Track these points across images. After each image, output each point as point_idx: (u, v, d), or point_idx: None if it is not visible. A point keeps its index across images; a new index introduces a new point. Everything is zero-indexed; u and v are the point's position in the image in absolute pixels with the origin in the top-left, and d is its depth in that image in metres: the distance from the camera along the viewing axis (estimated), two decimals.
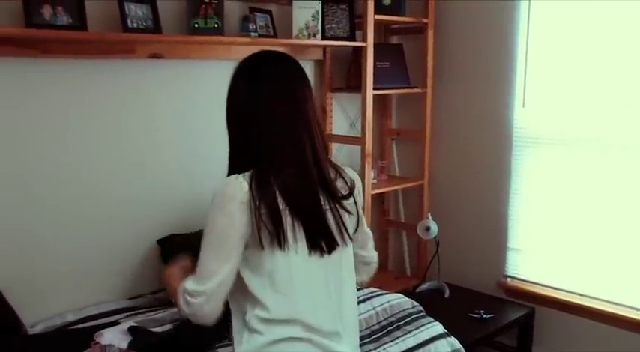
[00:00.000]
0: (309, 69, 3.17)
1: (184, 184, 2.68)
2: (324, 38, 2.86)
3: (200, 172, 2.73)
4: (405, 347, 2.24)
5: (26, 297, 2.24)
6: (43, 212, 2.32)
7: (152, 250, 2.62)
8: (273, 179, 1.51)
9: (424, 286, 3.27)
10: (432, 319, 2.45)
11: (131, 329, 2.06)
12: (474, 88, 3.23)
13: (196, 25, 2.47)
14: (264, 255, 1.52)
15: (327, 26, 2.91)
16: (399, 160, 3.61)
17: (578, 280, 2.94)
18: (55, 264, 2.37)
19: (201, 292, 1.49)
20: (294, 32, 2.78)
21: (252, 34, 2.61)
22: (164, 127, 2.63)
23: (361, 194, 1.73)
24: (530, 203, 3.07)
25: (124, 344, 1.98)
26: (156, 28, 2.39)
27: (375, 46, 2.96)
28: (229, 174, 1.56)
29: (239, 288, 1.56)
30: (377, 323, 2.39)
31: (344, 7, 2.94)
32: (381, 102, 3.50)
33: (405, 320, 2.41)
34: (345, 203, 1.63)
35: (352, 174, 1.70)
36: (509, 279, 3.21)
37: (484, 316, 2.88)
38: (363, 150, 3.02)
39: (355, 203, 1.67)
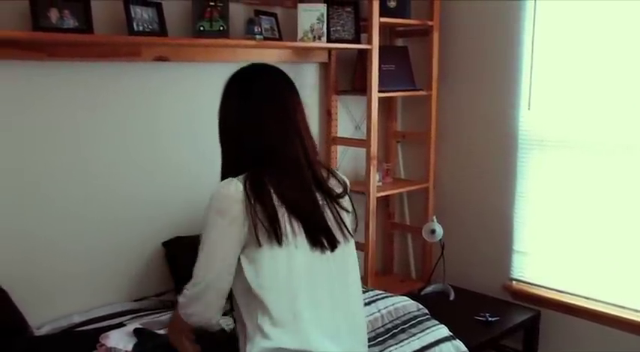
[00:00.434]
0: (314, 71, 3.18)
1: (190, 186, 2.68)
2: (329, 41, 2.86)
3: (205, 174, 2.73)
4: (410, 350, 2.23)
5: (32, 299, 2.24)
6: (49, 213, 2.33)
7: (157, 252, 2.63)
8: (268, 179, 1.57)
9: (429, 289, 3.27)
10: (437, 322, 2.44)
11: (136, 332, 2.06)
12: (479, 90, 3.22)
13: (202, 28, 2.48)
14: (263, 252, 1.54)
15: (332, 29, 2.92)
16: (404, 163, 3.61)
17: (584, 283, 2.93)
18: (61, 265, 2.38)
19: (199, 282, 1.56)
20: (300, 35, 2.78)
21: (258, 36, 2.61)
22: (170, 130, 2.64)
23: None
24: (536, 205, 3.06)
25: (130, 347, 1.98)
26: (161, 30, 2.39)
27: (380, 48, 2.96)
28: (223, 178, 1.63)
29: (242, 291, 1.56)
30: (382, 326, 2.38)
31: (349, 9, 2.94)
32: (386, 105, 3.50)
33: (410, 323, 2.41)
34: (341, 201, 1.69)
35: (342, 176, 1.78)
36: (514, 282, 3.20)
37: (489, 319, 2.87)
38: (368, 153, 3.02)
39: (351, 201, 1.73)
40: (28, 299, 2.19)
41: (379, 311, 2.45)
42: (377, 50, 2.93)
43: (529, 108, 3.04)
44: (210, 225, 1.57)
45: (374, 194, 3.06)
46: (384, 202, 3.58)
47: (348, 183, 1.78)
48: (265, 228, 1.54)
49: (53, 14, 2.10)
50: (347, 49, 3.08)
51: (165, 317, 2.28)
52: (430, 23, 3.24)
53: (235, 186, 1.55)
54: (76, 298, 2.42)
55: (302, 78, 3.13)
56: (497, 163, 3.18)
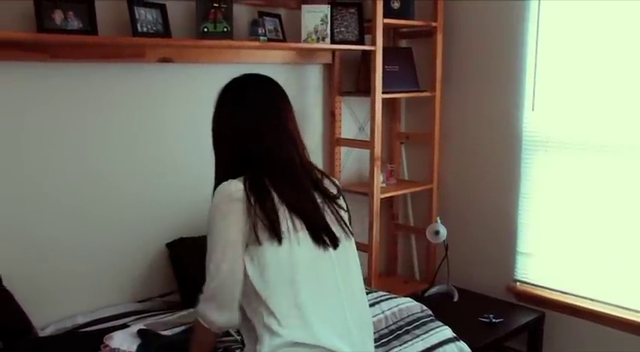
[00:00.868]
0: (317, 72, 3.18)
1: (194, 187, 2.69)
2: (332, 42, 2.86)
3: (209, 176, 2.70)
4: (414, 351, 2.24)
5: (36, 299, 2.25)
6: (53, 214, 2.34)
7: (161, 253, 2.63)
8: (267, 180, 1.61)
9: (433, 290, 3.26)
10: (441, 323, 2.44)
11: (140, 332, 2.06)
12: (483, 91, 3.22)
13: (206, 29, 2.48)
14: (264, 250, 1.56)
15: (335, 30, 2.92)
16: (407, 164, 3.60)
17: (589, 285, 2.92)
18: (66, 266, 2.39)
19: (213, 277, 1.57)
20: (303, 36, 2.79)
21: (262, 38, 2.61)
22: (174, 131, 2.64)
23: None
24: (540, 207, 3.06)
25: (133, 347, 1.98)
26: (165, 32, 2.40)
27: (384, 49, 2.96)
28: (217, 184, 1.65)
29: (246, 291, 1.58)
30: (386, 327, 2.38)
31: (353, 10, 2.94)
32: (390, 106, 3.50)
33: (414, 325, 2.41)
34: (338, 200, 1.74)
35: (333, 178, 1.84)
36: (518, 283, 3.19)
37: (493, 320, 2.86)
38: (371, 154, 3.02)
39: (345, 202, 1.78)
40: (32, 300, 2.20)
41: (383, 312, 2.45)
42: (381, 51, 2.93)
43: (533, 109, 3.03)
44: (214, 224, 1.59)
45: (378, 195, 3.06)
46: (388, 203, 3.57)
47: (340, 185, 1.82)
48: (265, 225, 1.56)
49: (57, 15, 2.10)
50: (351, 50, 3.08)
51: (169, 318, 2.29)
52: (434, 24, 3.24)
53: (235, 186, 1.58)
54: (80, 299, 2.42)
55: (306, 79, 3.13)
56: (501, 164, 3.17)
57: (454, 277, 3.29)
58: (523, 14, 2.98)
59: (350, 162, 3.37)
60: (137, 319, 2.32)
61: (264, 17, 2.74)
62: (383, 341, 2.28)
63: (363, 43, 2.97)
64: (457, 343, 2.34)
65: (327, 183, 1.75)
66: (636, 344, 2.75)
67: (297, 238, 1.60)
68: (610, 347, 2.85)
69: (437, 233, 3.20)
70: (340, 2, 2.95)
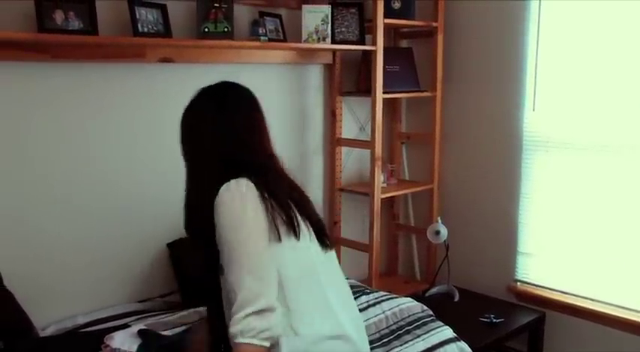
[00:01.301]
0: (318, 72, 3.18)
1: None
2: (333, 42, 2.86)
3: None
4: (414, 351, 2.23)
5: (37, 299, 2.25)
6: (54, 214, 2.34)
7: (162, 253, 2.63)
8: (266, 180, 1.58)
9: (434, 290, 3.26)
10: (441, 323, 2.44)
11: (141, 333, 2.06)
12: (483, 91, 3.22)
13: (206, 29, 2.48)
14: (284, 246, 1.54)
15: (336, 30, 2.92)
16: (408, 164, 3.60)
17: (589, 285, 2.92)
18: (66, 266, 2.39)
19: (255, 271, 1.45)
20: (304, 36, 2.79)
21: (262, 38, 2.61)
22: (175, 131, 2.62)
23: None
24: (541, 207, 3.06)
25: (134, 348, 1.98)
26: (166, 32, 2.40)
27: (385, 49, 2.96)
28: (200, 189, 1.59)
29: None
30: (386, 327, 2.38)
31: (353, 11, 2.94)
32: (390, 106, 3.50)
33: (415, 325, 2.41)
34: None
35: None
36: (519, 284, 3.19)
37: (494, 320, 2.86)
38: (372, 154, 3.02)
39: None
40: (32, 300, 2.20)
41: (384, 312, 2.45)
42: (381, 51, 2.93)
43: (534, 110, 3.03)
44: (235, 224, 1.50)
45: (378, 195, 3.06)
46: (389, 203, 3.57)
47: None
48: (283, 220, 1.54)
49: (58, 16, 2.10)
50: (351, 50, 3.08)
51: (169, 318, 2.29)
52: (434, 24, 3.24)
53: (245, 182, 1.53)
54: (80, 299, 2.42)
55: (306, 79, 3.13)
56: (501, 164, 3.17)
57: (455, 277, 3.29)
58: (523, 14, 2.98)
59: (351, 162, 3.37)
60: (138, 319, 2.32)
61: (265, 17, 2.74)
62: (384, 341, 2.28)
63: (363, 43, 2.97)
64: (458, 343, 2.34)
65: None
66: (636, 344, 2.75)
67: (309, 235, 1.61)
68: (610, 347, 2.85)
69: (437, 233, 3.20)
70: (341, 2, 2.95)
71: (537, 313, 3.02)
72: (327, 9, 2.79)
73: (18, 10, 2.13)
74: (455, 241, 3.33)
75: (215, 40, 2.49)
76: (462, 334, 2.40)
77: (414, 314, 2.49)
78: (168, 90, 2.60)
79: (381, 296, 2.57)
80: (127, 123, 2.49)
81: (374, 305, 2.48)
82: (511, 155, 3.12)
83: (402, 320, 2.44)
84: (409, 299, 2.60)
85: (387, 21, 2.95)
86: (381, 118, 2.99)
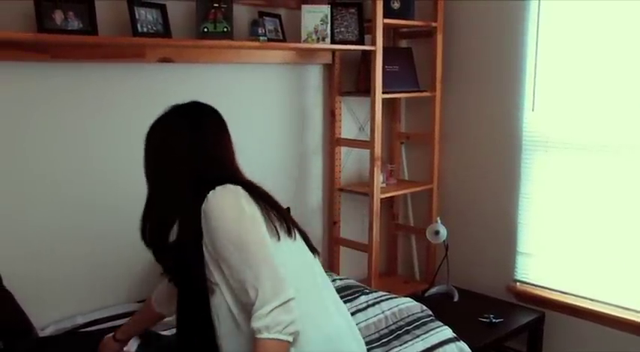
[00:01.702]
0: (317, 73, 3.18)
1: None
2: (333, 42, 2.86)
3: None
4: (414, 351, 2.23)
5: (36, 300, 2.25)
6: (52, 215, 2.34)
7: None
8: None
9: (433, 290, 3.26)
10: (441, 323, 2.44)
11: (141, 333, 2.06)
12: (483, 91, 3.22)
13: (206, 29, 2.48)
14: (282, 246, 1.54)
15: (336, 30, 2.92)
16: (407, 164, 3.60)
17: (589, 285, 2.92)
18: (65, 266, 2.39)
19: (266, 269, 1.43)
20: (303, 36, 2.79)
21: (262, 38, 2.61)
22: None
23: None
24: (540, 207, 3.06)
25: (134, 348, 1.98)
26: (165, 32, 2.40)
27: (384, 49, 2.96)
28: (169, 207, 1.59)
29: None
30: (386, 327, 2.38)
31: (353, 11, 2.94)
32: (390, 106, 3.50)
33: (414, 325, 2.41)
34: None
35: None
36: (518, 284, 3.19)
37: (493, 320, 2.86)
38: (372, 154, 3.02)
39: None
40: (32, 301, 2.20)
41: (383, 312, 2.45)
42: (381, 51, 2.93)
43: (533, 110, 3.03)
44: (236, 221, 1.48)
45: (378, 195, 3.06)
46: (388, 203, 3.57)
47: None
48: (279, 219, 1.54)
49: (58, 16, 2.10)
50: (351, 50, 3.08)
51: (168, 318, 2.28)
52: (434, 24, 3.24)
53: (232, 186, 1.52)
54: (79, 299, 2.42)
55: (306, 79, 3.14)
56: (501, 164, 3.18)
57: (454, 277, 3.29)
58: (523, 14, 2.98)
59: (350, 162, 3.37)
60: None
61: (264, 17, 2.74)
62: (383, 341, 2.28)
63: (363, 43, 2.97)
64: (457, 343, 2.34)
65: None
66: (636, 344, 2.75)
67: (300, 237, 1.61)
68: (610, 347, 2.85)
69: (437, 233, 3.20)
70: (340, 2, 2.95)
71: (537, 313, 3.02)
72: (326, 9, 2.79)
73: (17, 10, 2.13)
74: (454, 241, 3.33)
75: (214, 40, 2.49)
76: (461, 334, 2.40)
77: (413, 314, 2.49)
78: (167, 90, 2.60)
79: (381, 297, 2.57)
80: (127, 123, 2.49)
81: (373, 305, 2.48)
82: (510, 155, 3.12)
83: (401, 320, 2.44)
84: (408, 299, 2.60)
85: (387, 21, 2.95)
86: (380, 118, 3.00)
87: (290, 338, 1.41)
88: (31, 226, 2.28)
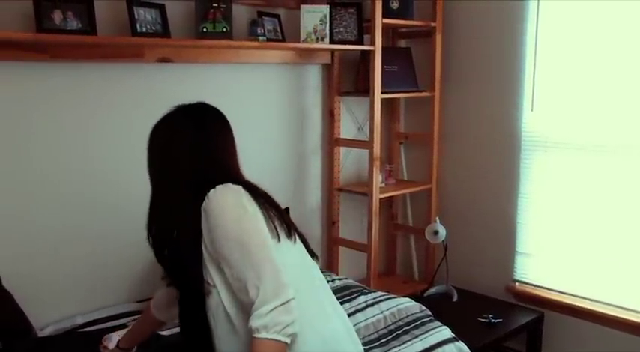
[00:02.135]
0: (317, 73, 3.18)
1: None
2: (332, 42, 2.86)
3: None
4: (413, 351, 2.23)
5: (35, 300, 2.25)
6: (52, 215, 2.34)
7: None
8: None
9: (432, 290, 3.26)
10: (440, 323, 2.44)
11: None
12: (482, 91, 3.22)
13: (205, 30, 2.48)
14: (282, 247, 1.53)
15: (335, 30, 2.92)
16: (407, 164, 3.61)
17: (588, 285, 2.93)
18: (65, 266, 2.39)
19: (284, 291, 1.41)
20: (302, 36, 2.79)
21: (261, 38, 2.61)
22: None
23: None
24: (539, 207, 3.06)
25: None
26: (164, 32, 2.40)
27: (383, 49, 2.96)
28: (173, 205, 1.57)
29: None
30: (385, 327, 2.38)
31: (352, 11, 2.94)
32: (389, 106, 3.50)
33: (413, 325, 2.41)
34: None
35: None
36: (517, 284, 3.20)
37: (492, 320, 2.86)
38: (371, 154, 3.02)
39: None
40: (31, 300, 2.20)
41: (382, 312, 2.45)
42: (380, 51, 2.93)
43: (532, 110, 3.03)
44: (238, 219, 1.47)
45: (377, 195, 3.06)
46: (387, 203, 3.57)
47: None
48: (280, 221, 1.54)
49: (57, 16, 2.10)
50: (350, 50, 3.08)
51: None
52: (433, 24, 3.24)
53: (233, 185, 1.52)
54: (79, 299, 2.42)
55: (305, 79, 3.14)
56: (500, 164, 3.18)
57: (453, 277, 3.29)
58: (522, 14, 2.99)
59: (349, 163, 3.37)
60: (136, 319, 2.32)
61: (264, 17, 2.74)
62: (382, 341, 2.28)
63: (362, 43, 2.97)
64: (456, 343, 2.34)
65: None
66: (636, 344, 2.75)
67: (299, 239, 1.61)
68: (609, 347, 2.85)
69: (436, 233, 3.20)
70: (339, 2, 2.95)
71: (536, 313, 3.02)
72: (325, 9, 2.79)
73: (17, 10, 2.13)
74: (453, 241, 3.33)
75: (214, 40, 2.49)
76: (460, 334, 2.40)
77: (412, 314, 2.49)
78: (166, 90, 2.60)
79: (380, 297, 2.57)
80: (126, 123, 2.49)
81: (372, 305, 2.48)
82: (509, 155, 3.13)
83: (400, 320, 2.44)
84: (408, 299, 2.60)
85: (386, 21, 2.95)
86: (379, 118, 3.00)
87: (288, 340, 1.40)
88: (30, 226, 2.28)
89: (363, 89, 3.15)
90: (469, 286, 3.31)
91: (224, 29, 2.50)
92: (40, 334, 2.20)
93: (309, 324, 1.51)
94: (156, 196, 1.65)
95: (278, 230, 1.53)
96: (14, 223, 2.24)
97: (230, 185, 1.52)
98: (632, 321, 2.75)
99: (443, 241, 3.21)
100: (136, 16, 2.30)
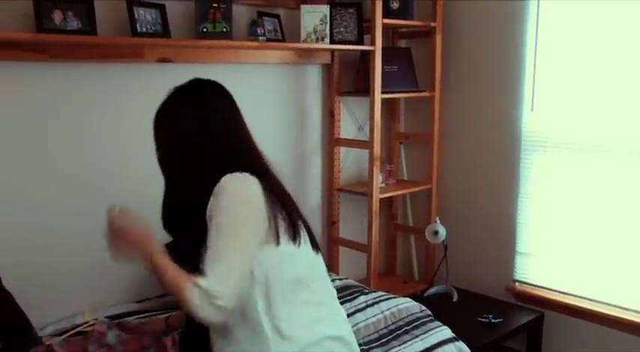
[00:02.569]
0: (317, 73, 3.18)
1: None
2: (332, 42, 2.86)
3: None
4: (413, 351, 2.23)
5: (36, 300, 2.24)
6: (52, 214, 2.34)
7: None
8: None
9: (432, 290, 3.26)
10: (440, 323, 2.44)
11: None
12: (482, 91, 3.22)
13: (205, 30, 2.48)
14: (281, 251, 1.52)
15: (335, 30, 2.92)
16: (407, 164, 3.60)
17: (588, 285, 2.93)
18: (65, 266, 2.39)
19: (225, 293, 1.40)
20: (303, 36, 2.79)
21: (261, 38, 2.61)
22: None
23: None
24: (539, 207, 3.06)
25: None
26: (165, 32, 2.40)
27: (383, 49, 2.96)
28: (187, 194, 1.54)
29: (259, 293, 1.54)
30: (385, 327, 2.38)
31: (352, 11, 2.94)
32: (389, 106, 3.50)
33: (413, 325, 2.41)
34: None
35: None
36: (517, 284, 3.20)
37: (492, 320, 2.86)
38: (371, 154, 3.02)
39: None
40: (31, 301, 2.19)
41: (382, 312, 2.45)
42: (380, 51, 2.93)
43: (532, 110, 3.03)
44: (232, 214, 1.46)
45: (377, 195, 3.06)
46: (387, 203, 3.57)
47: None
48: (286, 223, 1.53)
49: (57, 16, 2.10)
50: (350, 50, 3.08)
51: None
52: (433, 24, 3.24)
53: (251, 179, 1.49)
54: (79, 299, 2.42)
55: (305, 79, 3.14)
56: (500, 164, 3.18)
57: (453, 277, 3.29)
58: (522, 14, 2.99)
59: (349, 163, 3.37)
60: (136, 319, 2.32)
61: (264, 17, 2.74)
62: (382, 341, 2.28)
63: (362, 43, 2.97)
64: (456, 343, 2.34)
65: None
66: (636, 344, 2.75)
67: (305, 239, 1.60)
68: (609, 347, 2.85)
69: (436, 233, 3.20)
70: (339, 2, 2.95)
71: (536, 313, 3.02)
72: (325, 9, 2.79)
73: (17, 10, 2.12)
74: (453, 241, 3.33)
75: (214, 40, 2.49)
76: (460, 334, 2.40)
77: (412, 314, 2.49)
78: (166, 90, 2.58)
79: (380, 297, 2.57)
80: (125, 123, 2.49)
81: (372, 305, 2.48)
82: (510, 155, 3.13)
83: (400, 320, 2.44)
84: (408, 299, 2.60)
85: (386, 21, 2.95)
86: (379, 118, 3.00)
87: (203, 313, 1.40)
88: (30, 226, 2.28)
89: (363, 89, 3.15)
90: (469, 286, 3.31)
91: (224, 29, 2.50)
92: (41, 334, 2.19)
93: (304, 326, 1.53)
94: (168, 185, 1.63)
95: (279, 232, 1.51)
96: (14, 223, 2.24)
97: (246, 175, 1.49)
98: (633, 321, 2.75)
99: (443, 241, 3.21)
100: (136, 16, 2.30)
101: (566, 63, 2.88)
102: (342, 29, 2.94)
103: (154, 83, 2.55)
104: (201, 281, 1.40)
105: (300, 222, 1.60)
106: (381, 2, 2.89)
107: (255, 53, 2.82)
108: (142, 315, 2.37)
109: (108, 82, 2.42)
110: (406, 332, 2.36)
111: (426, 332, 2.36)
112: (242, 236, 1.45)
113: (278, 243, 1.51)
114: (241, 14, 2.74)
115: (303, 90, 3.13)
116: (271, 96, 2.98)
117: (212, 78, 2.73)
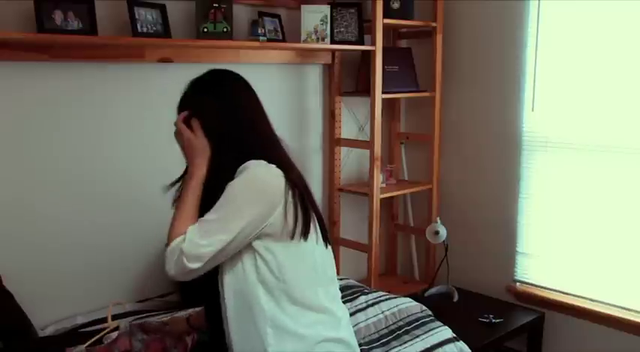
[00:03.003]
0: (317, 73, 3.18)
1: None
2: (332, 42, 2.86)
3: None
4: (413, 351, 2.23)
5: (36, 300, 2.25)
6: (52, 214, 2.34)
7: (161, 253, 2.62)
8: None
9: (433, 290, 3.26)
10: (440, 323, 2.44)
11: None
12: (483, 91, 3.22)
13: (205, 30, 2.48)
14: (290, 245, 1.54)
15: (335, 30, 2.92)
16: (407, 164, 3.60)
17: (589, 285, 2.93)
18: (65, 266, 2.39)
19: (200, 256, 1.50)
20: (303, 36, 2.79)
21: (261, 38, 2.61)
22: (174, 131, 2.64)
23: None
24: (540, 207, 3.06)
25: None
26: (165, 32, 2.40)
27: (384, 49, 2.96)
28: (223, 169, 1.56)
29: (262, 289, 1.54)
30: (385, 328, 2.38)
31: (353, 11, 2.94)
32: (389, 106, 3.50)
33: (414, 325, 2.41)
34: None
35: None
36: (518, 284, 3.19)
37: (493, 321, 2.86)
38: (371, 154, 3.02)
39: None
40: (31, 301, 2.20)
41: (383, 312, 2.45)
42: (380, 51, 2.93)
43: (533, 110, 3.03)
44: (242, 194, 1.50)
45: (377, 195, 3.06)
46: (388, 203, 3.57)
47: None
48: (303, 220, 1.54)
49: (57, 16, 2.10)
50: (350, 50, 3.08)
51: (168, 318, 2.28)
52: (434, 24, 3.24)
53: (278, 172, 1.52)
54: (79, 299, 2.42)
55: (306, 79, 3.14)
56: (500, 165, 3.18)
57: (454, 277, 3.29)
58: (523, 14, 2.98)
59: (350, 162, 3.37)
60: (137, 319, 2.32)
61: (264, 17, 2.74)
62: (382, 341, 2.28)
63: (362, 44, 2.97)
64: (457, 343, 2.34)
65: None
66: (637, 345, 2.75)
67: (315, 233, 1.61)
68: (610, 347, 2.85)
69: (436, 233, 3.20)
70: (340, 2, 2.95)
71: (536, 313, 3.02)
72: (326, 9, 2.79)
73: (17, 10, 2.13)
74: (454, 241, 3.33)
75: (214, 40, 2.49)
76: (461, 334, 2.40)
77: (413, 314, 2.49)
78: (167, 90, 2.59)
79: (380, 297, 2.57)
80: (126, 123, 2.49)
81: (373, 305, 2.48)
82: (510, 155, 3.13)
83: (401, 320, 2.44)
84: (408, 299, 2.60)
85: (386, 21, 2.95)
86: (380, 118, 3.00)
87: (173, 270, 1.55)
88: (30, 226, 2.28)
89: (363, 89, 3.15)
90: (470, 286, 3.31)
91: (225, 29, 2.50)
92: (41, 334, 2.20)
93: (308, 324, 1.53)
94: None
95: (296, 228, 1.53)
96: (14, 223, 2.24)
97: (273, 168, 1.52)
98: (633, 321, 2.75)
99: (443, 241, 3.21)
100: (137, 16, 2.30)
101: (567, 63, 2.88)
102: (342, 29, 2.94)
103: (154, 83, 2.56)
104: (185, 243, 1.52)
105: (316, 219, 1.62)
106: (381, 2, 2.90)
107: (255, 53, 2.82)
108: (143, 315, 2.37)
109: (108, 82, 2.42)
110: (407, 332, 2.36)
111: (427, 332, 2.36)
112: (240, 218, 1.48)
113: (292, 237, 1.53)
114: (242, 14, 2.74)
115: (303, 90, 3.13)
116: (272, 96, 2.98)
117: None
